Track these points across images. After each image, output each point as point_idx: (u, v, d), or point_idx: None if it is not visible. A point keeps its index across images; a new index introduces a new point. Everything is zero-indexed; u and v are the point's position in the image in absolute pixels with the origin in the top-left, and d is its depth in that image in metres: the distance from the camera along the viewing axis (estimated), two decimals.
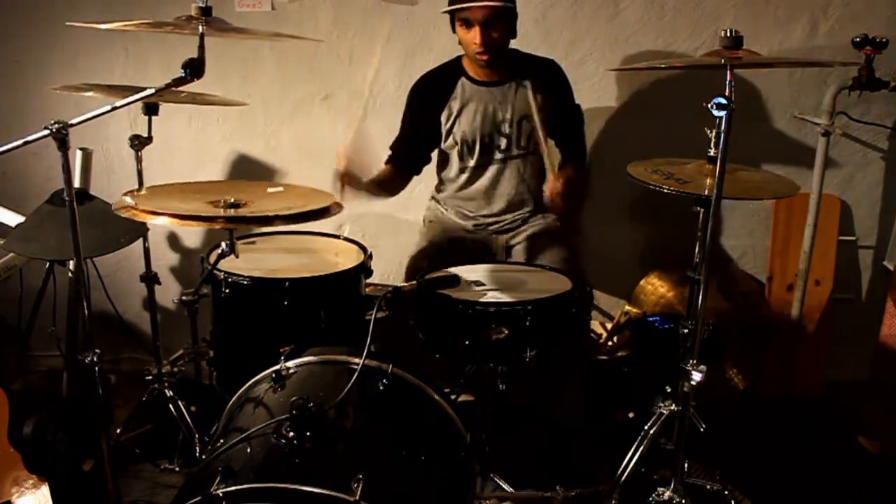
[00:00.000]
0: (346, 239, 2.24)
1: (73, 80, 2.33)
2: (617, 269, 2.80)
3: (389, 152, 2.39)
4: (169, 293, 2.75)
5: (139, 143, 2.16)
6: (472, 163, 2.34)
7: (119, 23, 1.63)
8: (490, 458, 1.96)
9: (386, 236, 2.79)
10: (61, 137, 1.43)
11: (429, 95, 2.34)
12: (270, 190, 2.01)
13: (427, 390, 1.67)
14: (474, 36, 2.13)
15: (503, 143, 2.31)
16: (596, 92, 2.65)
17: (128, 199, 1.66)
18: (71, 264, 2.30)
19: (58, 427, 1.98)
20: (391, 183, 2.37)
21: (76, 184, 2.35)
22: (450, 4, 2.17)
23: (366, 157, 2.13)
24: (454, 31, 2.22)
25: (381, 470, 1.38)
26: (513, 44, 2.27)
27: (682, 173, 1.82)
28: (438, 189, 2.51)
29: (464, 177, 2.38)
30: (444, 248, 2.35)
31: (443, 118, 2.31)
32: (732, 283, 2.79)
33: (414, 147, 2.40)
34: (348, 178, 2.07)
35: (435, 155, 2.46)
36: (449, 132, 2.32)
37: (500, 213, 2.40)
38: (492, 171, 2.35)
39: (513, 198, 2.38)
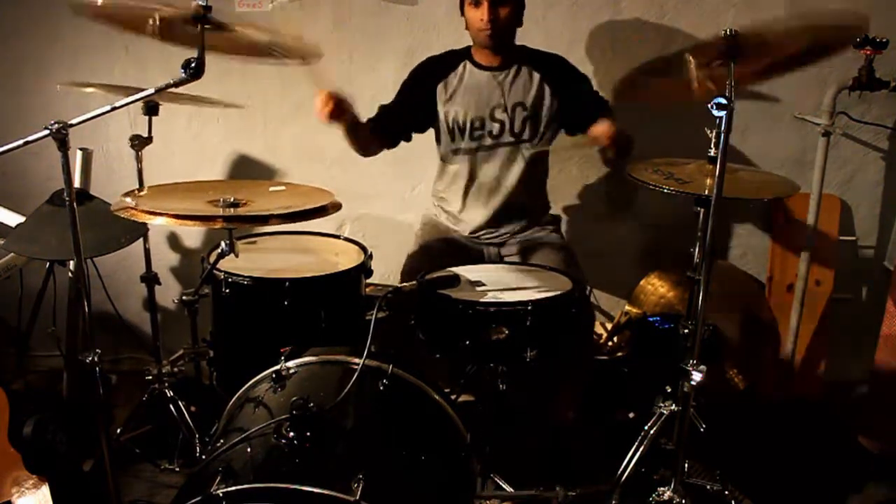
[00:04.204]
0: (347, 239, 2.24)
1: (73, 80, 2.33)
2: (617, 269, 2.80)
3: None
4: (169, 293, 2.75)
5: (139, 143, 2.18)
6: (463, 145, 2.32)
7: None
8: (490, 458, 1.96)
9: (386, 236, 2.79)
10: (61, 137, 1.43)
11: (430, 72, 2.34)
12: (272, 189, 2.01)
13: (427, 390, 1.67)
14: (482, 13, 2.16)
15: (495, 127, 2.29)
16: None
17: (127, 200, 1.67)
18: (71, 264, 2.31)
19: (58, 427, 1.98)
20: (365, 137, 2.29)
21: (76, 184, 2.35)
22: None
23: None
24: (462, 13, 2.24)
25: (381, 470, 1.38)
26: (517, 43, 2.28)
27: (682, 173, 1.82)
28: (437, 187, 2.49)
29: (457, 164, 2.36)
30: (437, 253, 2.32)
31: (439, 89, 2.31)
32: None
33: (397, 116, 2.35)
34: (338, 101, 2.05)
35: (436, 153, 2.44)
36: (444, 105, 2.31)
37: (495, 217, 2.37)
38: (486, 162, 2.33)
39: (508, 198, 2.35)
